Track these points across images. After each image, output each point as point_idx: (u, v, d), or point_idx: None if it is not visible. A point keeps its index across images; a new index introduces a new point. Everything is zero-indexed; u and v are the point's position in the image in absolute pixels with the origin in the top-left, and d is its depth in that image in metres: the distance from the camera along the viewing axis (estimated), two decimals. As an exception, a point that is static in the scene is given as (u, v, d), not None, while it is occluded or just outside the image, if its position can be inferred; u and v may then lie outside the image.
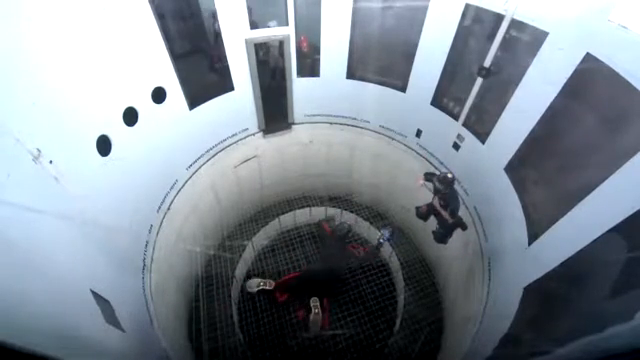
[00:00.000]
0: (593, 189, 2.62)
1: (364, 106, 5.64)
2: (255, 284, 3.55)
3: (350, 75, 5.31)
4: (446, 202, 3.84)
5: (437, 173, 3.88)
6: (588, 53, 2.73)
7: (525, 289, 3.30)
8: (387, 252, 6.41)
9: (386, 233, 3.70)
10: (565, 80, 2.94)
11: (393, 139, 5.77)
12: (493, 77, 3.88)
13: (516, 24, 3.42)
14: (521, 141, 3.54)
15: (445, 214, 3.82)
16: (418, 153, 5.52)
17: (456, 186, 3.98)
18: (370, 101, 5.48)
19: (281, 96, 5.46)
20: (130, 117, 3.51)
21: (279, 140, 6.03)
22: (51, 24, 2.47)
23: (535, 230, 3.38)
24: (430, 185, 4.00)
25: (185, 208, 4.93)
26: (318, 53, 5.02)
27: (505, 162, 3.82)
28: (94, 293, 2.59)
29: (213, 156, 5.29)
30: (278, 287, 3.65)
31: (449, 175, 3.70)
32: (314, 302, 3.49)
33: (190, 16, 4.25)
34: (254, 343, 5.40)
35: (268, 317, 5.69)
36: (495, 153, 3.99)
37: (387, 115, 5.58)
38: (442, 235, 4.11)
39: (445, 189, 3.77)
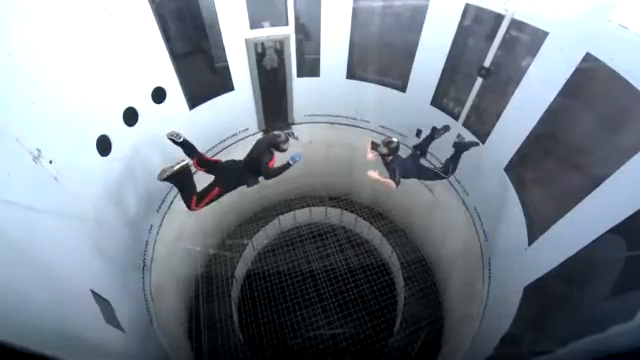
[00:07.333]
0: (593, 189, 2.62)
1: (364, 106, 5.63)
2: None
3: (350, 75, 5.31)
4: (388, 169, 3.91)
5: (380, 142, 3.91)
6: (588, 53, 2.73)
7: (525, 289, 3.30)
8: (387, 252, 6.42)
9: (296, 157, 3.95)
10: (565, 80, 2.94)
11: (393, 139, 5.77)
12: (493, 77, 3.89)
13: (516, 24, 3.42)
14: (521, 141, 3.54)
15: (390, 180, 3.88)
16: (418, 153, 5.52)
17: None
18: (370, 101, 5.47)
19: (281, 96, 5.46)
20: (130, 117, 3.51)
21: (279, 140, 6.02)
22: (51, 23, 2.46)
23: (535, 230, 3.38)
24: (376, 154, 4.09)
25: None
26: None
27: (505, 162, 3.82)
28: (94, 293, 2.59)
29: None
30: (202, 162, 3.54)
31: (394, 139, 3.74)
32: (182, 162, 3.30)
33: (190, 16, 4.25)
34: (254, 343, 5.41)
35: (268, 317, 5.70)
36: (495, 153, 3.99)
37: (387, 115, 5.57)
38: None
39: (389, 154, 3.79)
